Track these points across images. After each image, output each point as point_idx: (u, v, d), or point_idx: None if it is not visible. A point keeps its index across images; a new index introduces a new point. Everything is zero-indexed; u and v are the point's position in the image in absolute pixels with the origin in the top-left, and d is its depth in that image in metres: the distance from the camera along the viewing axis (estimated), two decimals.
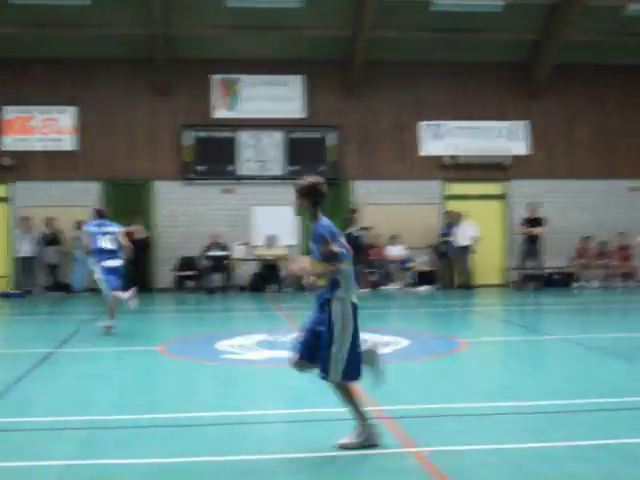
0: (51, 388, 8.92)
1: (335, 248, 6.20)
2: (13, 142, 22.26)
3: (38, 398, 8.34)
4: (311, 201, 6.38)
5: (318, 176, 6.58)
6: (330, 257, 6.20)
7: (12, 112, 22.32)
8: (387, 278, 22.71)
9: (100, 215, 14.06)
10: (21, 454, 6.14)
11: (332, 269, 6.19)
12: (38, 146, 22.33)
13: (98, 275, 13.61)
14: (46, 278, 22.01)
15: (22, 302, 20.09)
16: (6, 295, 21.07)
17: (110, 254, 13.59)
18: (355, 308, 6.26)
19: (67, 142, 22.44)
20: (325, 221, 6.33)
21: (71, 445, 6.41)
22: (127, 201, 22.41)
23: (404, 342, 11.80)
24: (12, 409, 7.76)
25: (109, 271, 13.53)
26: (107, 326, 13.35)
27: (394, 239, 22.93)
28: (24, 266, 21.75)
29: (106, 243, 13.61)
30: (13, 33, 21.70)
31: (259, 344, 11.80)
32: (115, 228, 13.84)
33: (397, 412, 7.28)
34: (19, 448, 6.38)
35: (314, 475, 5.63)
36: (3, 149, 22.21)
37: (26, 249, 21.62)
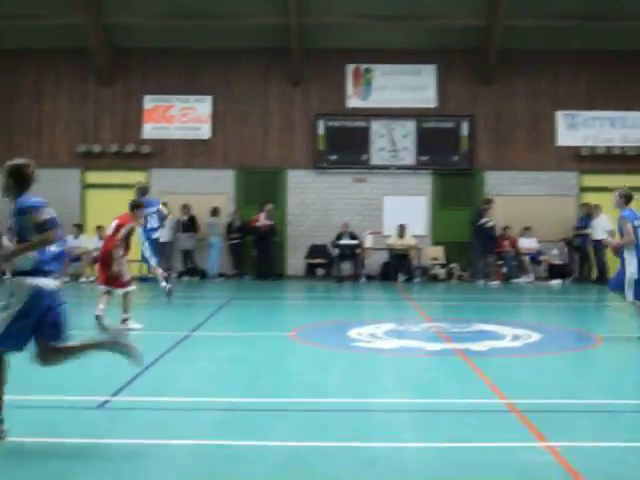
0: (187, 370, 9.22)
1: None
2: (152, 130, 22.97)
3: (175, 379, 8.64)
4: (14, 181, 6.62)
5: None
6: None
7: (152, 101, 23.03)
8: (518, 271, 22.36)
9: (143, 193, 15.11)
10: (159, 432, 6.38)
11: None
12: (176, 134, 22.97)
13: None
14: (182, 263, 22.64)
15: (158, 286, 20.69)
16: (144, 280, 21.78)
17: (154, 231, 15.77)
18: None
19: (204, 131, 23.00)
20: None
21: (206, 426, 6.62)
22: (260, 189, 22.81)
23: (535, 336, 11.62)
24: (150, 388, 8.05)
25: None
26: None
27: (526, 231, 22.54)
28: (161, 251, 22.40)
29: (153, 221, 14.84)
30: (154, 24, 22.37)
31: (388, 333, 11.84)
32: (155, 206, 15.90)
33: (526, 406, 7.20)
34: (157, 426, 6.63)
35: (442, 466, 5.63)
36: (143, 137, 22.95)
37: (163, 234, 22.25)
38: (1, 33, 22.49)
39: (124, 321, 12.58)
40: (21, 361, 9.77)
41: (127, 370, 8.75)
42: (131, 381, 8.23)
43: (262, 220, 21.82)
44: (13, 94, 23.12)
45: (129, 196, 22.61)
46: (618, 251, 11.80)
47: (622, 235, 11.52)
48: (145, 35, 22.67)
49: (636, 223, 11.37)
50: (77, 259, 21.57)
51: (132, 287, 12.92)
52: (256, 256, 22.05)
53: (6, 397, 7.41)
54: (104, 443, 6.03)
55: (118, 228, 12.68)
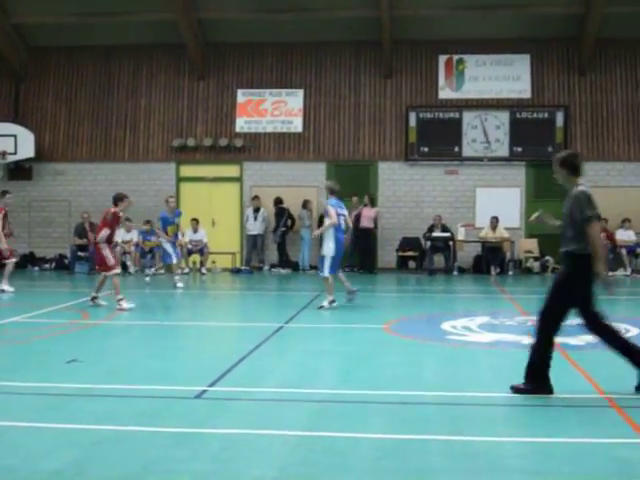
0: (282, 361, 9.30)
1: None
2: (245, 124, 23.21)
3: (270, 370, 8.73)
4: None
5: None
6: None
7: (245, 95, 23.27)
8: (615, 264, 21.86)
9: None
10: (255, 422, 6.45)
11: None
12: (269, 128, 23.16)
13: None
14: (274, 255, 22.82)
15: (251, 278, 20.97)
16: (236, 271, 22.07)
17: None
18: None
19: (295, 124, 23.13)
20: None
21: (301, 416, 6.67)
22: (351, 182, 22.83)
23: (634, 330, 11.36)
24: (245, 379, 8.16)
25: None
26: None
27: (624, 224, 22.02)
28: (254, 243, 22.67)
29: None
30: (246, 18, 22.59)
31: (482, 326, 11.73)
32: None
33: (626, 401, 7.04)
34: (253, 417, 6.72)
35: (540, 461, 5.56)
36: (236, 131, 23.20)
37: (256, 227, 22.52)
38: (97, 30, 23.01)
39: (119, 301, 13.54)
40: (128, 352, 10.03)
41: (224, 361, 8.92)
42: (227, 372, 8.35)
43: (368, 213, 21.73)
44: (110, 90, 23.65)
45: (222, 189, 23.05)
46: None
47: None
48: (238, 29, 22.92)
49: None
50: None
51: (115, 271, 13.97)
52: (356, 249, 21.94)
53: (112, 386, 7.64)
54: (202, 432, 6.13)
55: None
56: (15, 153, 22.48)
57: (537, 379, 7.28)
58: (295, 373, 8.61)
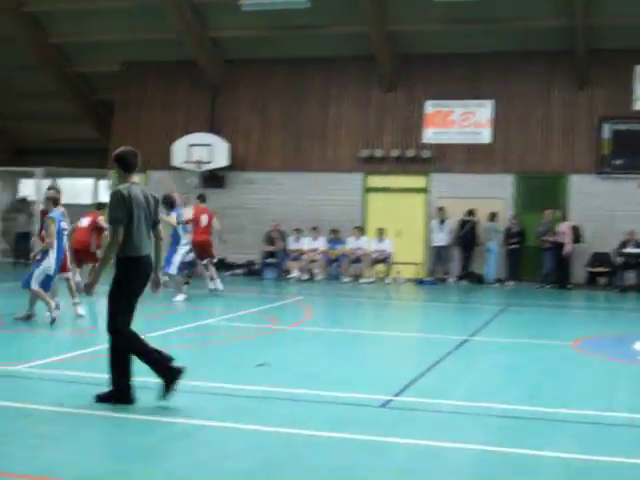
0: (467, 374, 9.26)
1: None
2: (433, 135, 23.18)
3: (454, 382, 8.70)
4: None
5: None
6: None
7: (433, 106, 23.24)
8: None
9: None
10: (438, 434, 6.46)
11: None
12: (456, 139, 23.03)
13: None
14: (459, 268, 22.65)
15: (435, 289, 20.89)
16: (420, 282, 22.06)
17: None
18: None
19: (484, 135, 22.89)
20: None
21: (487, 431, 6.62)
22: (539, 194, 22.36)
23: None
24: (430, 391, 8.16)
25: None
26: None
27: None
28: (438, 255, 22.60)
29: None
30: (436, 30, 22.58)
31: None
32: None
33: None
34: (436, 428, 6.72)
35: None
36: (423, 142, 23.22)
37: (441, 238, 22.44)
38: (290, 43, 23.61)
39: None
40: (315, 359, 10.25)
41: (409, 371, 8.97)
42: (413, 382, 8.40)
43: (565, 229, 21.23)
44: (300, 100, 24.22)
45: (408, 200, 23.11)
46: None
47: None
48: (428, 40, 22.93)
49: None
50: (357, 260, 22.19)
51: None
52: (551, 264, 21.43)
53: (300, 391, 7.84)
54: (387, 442, 6.19)
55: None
56: (210, 162, 23.41)
57: None
58: (481, 387, 8.55)
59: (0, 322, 12.27)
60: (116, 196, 7.09)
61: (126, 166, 7.34)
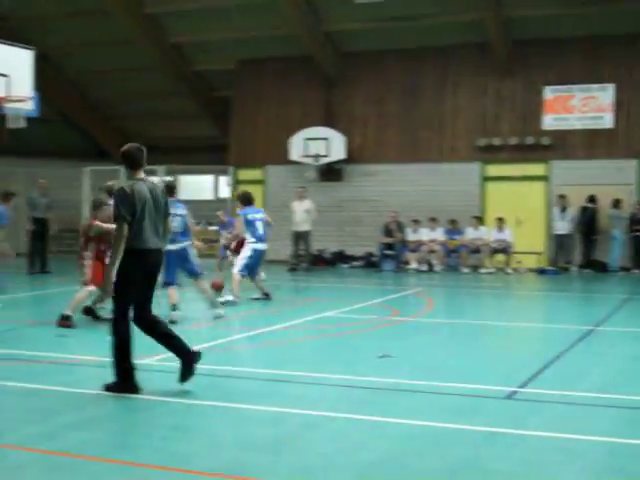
0: (594, 364, 9.05)
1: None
2: (553, 121, 22.69)
3: (581, 373, 8.52)
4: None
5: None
6: None
7: (552, 92, 22.74)
8: None
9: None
10: (565, 426, 6.33)
11: None
12: (577, 125, 22.49)
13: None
14: (581, 256, 22.14)
15: (557, 279, 20.47)
16: (542, 271, 21.65)
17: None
18: None
19: (606, 120, 22.26)
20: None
21: (616, 423, 6.46)
22: None
23: None
24: (556, 382, 7.99)
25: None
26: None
27: None
28: (560, 243, 22.13)
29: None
30: (552, 13, 22.06)
31: None
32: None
33: None
34: (563, 420, 6.59)
35: None
36: (543, 128, 22.76)
37: (562, 227, 21.97)
38: (404, 34, 23.50)
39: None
40: (436, 350, 10.21)
41: (533, 362, 8.84)
42: (538, 373, 8.27)
43: None
44: (416, 91, 24.07)
45: (528, 188, 22.71)
46: None
47: None
48: (544, 25, 22.44)
49: None
50: (477, 251, 21.95)
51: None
52: None
53: (421, 382, 7.82)
54: (513, 433, 6.11)
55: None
56: (327, 155, 23.55)
57: None
58: (609, 378, 8.33)
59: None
60: (119, 193, 7.31)
61: (132, 163, 7.49)
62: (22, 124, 14.67)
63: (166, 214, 7.66)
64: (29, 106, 14.56)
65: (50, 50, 25.41)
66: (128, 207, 7.22)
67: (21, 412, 6.86)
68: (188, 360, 7.41)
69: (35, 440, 5.89)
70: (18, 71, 14.41)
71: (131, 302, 7.41)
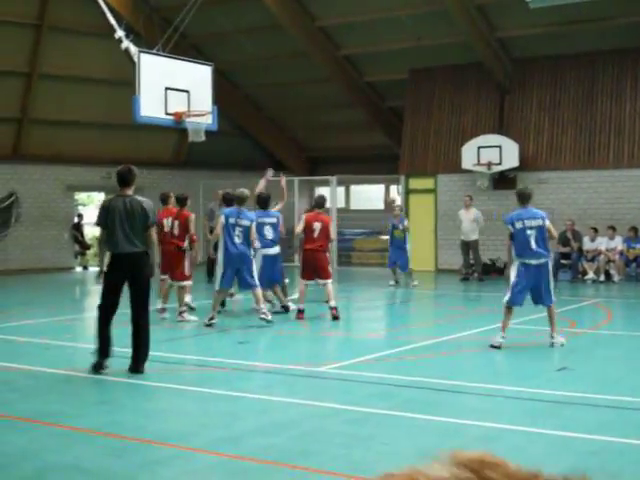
0: None
1: None
2: None
3: None
4: None
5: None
6: None
7: None
8: None
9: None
10: None
11: None
12: None
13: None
14: None
15: None
16: None
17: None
18: None
19: None
20: None
21: None
22: None
23: None
24: None
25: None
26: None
27: None
28: None
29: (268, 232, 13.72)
30: None
31: None
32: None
33: None
34: None
35: None
36: None
37: None
38: (579, 37, 22.85)
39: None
40: (617, 363, 9.88)
41: None
42: None
43: None
44: (592, 96, 23.37)
45: None
46: None
47: None
48: None
49: None
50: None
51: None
52: None
53: (603, 396, 7.59)
54: None
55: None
56: (500, 163, 23.19)
57: None
58: None
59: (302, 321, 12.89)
60: (100, 206, 9.22)
61: (120, 181, 8.96)
62: (202, 138, 15.24)
63: (145, 225, 8.75)
64: (209, 120, 15.13)
65: (226, 65, 26.26)
66: (104, 217, 8.80)
67: (206, 417, 7.12)
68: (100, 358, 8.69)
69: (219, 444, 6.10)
70: (198, 86, 15.04)
71: (108, 295, 8.73)
